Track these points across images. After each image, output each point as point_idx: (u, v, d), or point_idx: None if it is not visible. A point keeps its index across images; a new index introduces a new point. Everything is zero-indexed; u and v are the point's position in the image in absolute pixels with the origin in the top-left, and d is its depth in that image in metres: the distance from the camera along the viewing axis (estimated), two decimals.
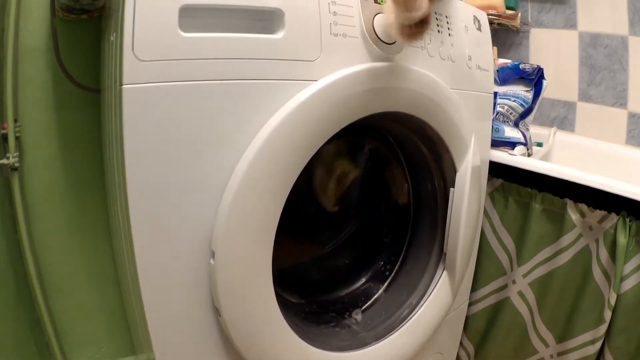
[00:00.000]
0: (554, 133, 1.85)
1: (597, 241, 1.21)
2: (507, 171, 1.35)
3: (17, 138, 1.02)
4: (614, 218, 1.16)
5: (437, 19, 1.00)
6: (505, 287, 1.45)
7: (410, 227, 1.17)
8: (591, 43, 1.89)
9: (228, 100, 0.73)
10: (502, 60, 1.47)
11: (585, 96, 1.91)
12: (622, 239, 1.11)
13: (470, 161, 1.06)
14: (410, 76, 0.91)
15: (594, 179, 1.19)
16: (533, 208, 1.30)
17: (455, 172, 1.07)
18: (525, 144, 1.37)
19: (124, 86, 0.63)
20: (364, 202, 1.27)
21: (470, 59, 1.09)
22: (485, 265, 1.46)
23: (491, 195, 1.40)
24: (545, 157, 1.71)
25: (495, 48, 1.56)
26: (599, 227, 1.20)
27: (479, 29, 1.15)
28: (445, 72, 1.01)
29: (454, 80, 1.04)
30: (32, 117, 1.07)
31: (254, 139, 0.75)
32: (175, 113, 0.69)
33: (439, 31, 0.99)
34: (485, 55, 1.17)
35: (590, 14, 1.89)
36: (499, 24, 1.93)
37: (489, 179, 1.37)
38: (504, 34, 2.06)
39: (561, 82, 1.94)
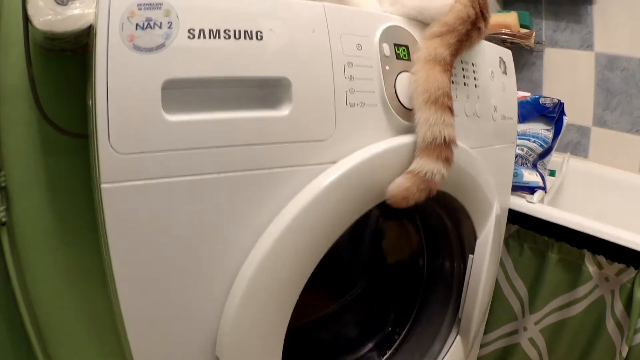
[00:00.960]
0: (567, 160, 1.70)
1: (612, 292, 1.14)
2: (523, 217, 1.23)
3: (2, 188, 0.89)
4: (632, 272, 1.09)
5: (463, 68, 0.84)
6: (516, 332, 1.36)
7: (423, 290, 1.03)
8: (608, 65, 1.73)
9: (226, 195, 0.58)
10: (521, 94, 1.32)
11: (600, 121, 1.76)
12: (639, 294, 1.05)
13: (492, 229, 0.91)
14: None
15: (613, 232, 1.11)
16: (549, 257, 1.21)
17: (475, 238, 0.93)
18: (543, 188, 1.22)
19: (102, 185, 0.51)
20: (372, 261, 1.13)
21: (495, 109, 0.94)
22: (496, 310, 1.36)
23: (506, 241, 1.28)
24: (558, 188, 1.57)
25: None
26: (615, 279, 1.12)
27: (505, 72, 1.00)
28: (469, 131, 0.86)
29: (478, 138, 0.89)
30: (18, 165, 0.93)
31: (260, 239, 0.61)
32: (166, 214, 0.55)
33: (465, 84, 0.84)
34: (510, 102, 1.02)
35: (608, 34, 1.73)
36: (512, 43, 1.77)
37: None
38: (517, 53, 1.89)
39: (575, 106, 1.79)
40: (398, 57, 0.72)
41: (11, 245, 0.94)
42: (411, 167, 0.68)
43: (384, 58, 0.70)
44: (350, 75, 0.66)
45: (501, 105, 0.98)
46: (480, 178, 0.87)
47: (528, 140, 1.27)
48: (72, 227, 1.02)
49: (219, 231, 0.59)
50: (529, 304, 1.29)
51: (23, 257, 0.98)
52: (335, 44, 0.65)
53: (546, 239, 1.21)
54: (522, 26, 1.76)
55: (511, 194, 1.23)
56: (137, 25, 0.52)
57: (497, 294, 1.33)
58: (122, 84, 0.52)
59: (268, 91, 0.61)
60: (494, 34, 1.71)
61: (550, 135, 1.28)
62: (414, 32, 0.76)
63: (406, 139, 0.71)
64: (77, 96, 0.93)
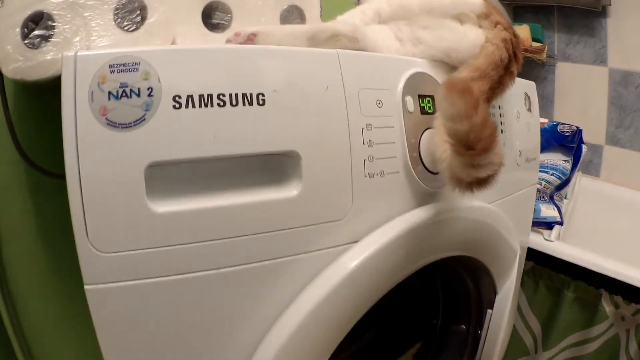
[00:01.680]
0: (579, 180, 1.60)
1: (627, 332, 1.08)
2: (539, 254, 1.14)
3: None
4: None
5: (490, 114, 0.73)
6: None
7: (438, 339, 0.93)
8: (622, 82, 1.62)
9: (226, 292, 0.48)
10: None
11: (613, 139, 1.65)
12: None
13: (514, 284, 0.81)
14: (462, 215, 0.65)
15: (632, 273, 1.04)
16: (565, 295, 1.14)
17: (495, 293, 0.82)
18: (561, 223, 1.12)
19: (85, 287, 0.43)
20: (386, 307, 1.02)
21: (520, 154, 0.83)
22: (509, 345, 1.26)
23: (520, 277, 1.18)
24: (570, 212, 1.47)
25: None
26: (632, 319, 1.06)
27: (530, 109, 0.89)
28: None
29: (500, 190, 0.78)
30: (4, 204, 0.84)
31: (270, 333, 0.51)
32: (159, 313, 0.46)
33: None
34: (534, 141, 0.91)
35: (623, 49, 1.62)
36: (523, 57, 1.64)
37: None
38: (528, 67, 1.77)
39: (588, 123, 1.67)
40: (423, 111, 0.61)
41: (2, 288, 0.86)
42: None
43: (407, 114, 0.59)
44: (370, 140, 0.55)
45: (526, 147, 0.87)
46: (502, 234, 0.77)
47: (546, 173, 1.16)
48: (66, 267, 0.91)
49: (218, 327, 0.49)
50: (543, 341, 1.21)
51: (16, 299, 0.89)
52: (353, 103, 0.54)
53: (562, 277, 1.14)
54: (534, 39, 1.64)
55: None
56: (110, 93, 0.41)
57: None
58: (96, 170, 0.41)
59: (273, 165, 0.50)
60: None
61: (568, 166, 1.18)
62: (440, 77, 0.65)
63: (429, 213, 0.60)
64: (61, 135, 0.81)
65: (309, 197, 0.50)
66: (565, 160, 1.18)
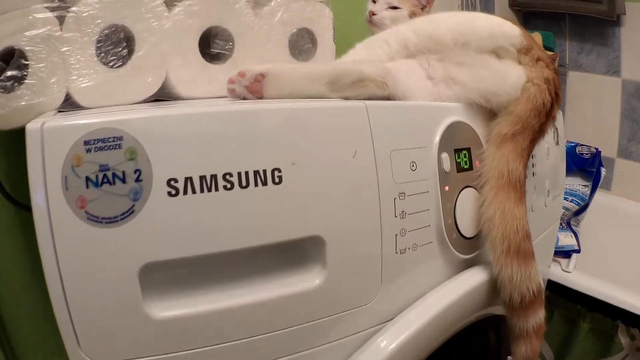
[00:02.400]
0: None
1: None
2: (555, 283, 1.06)
3: None
4: None
5: None
6: None
7: None
8: (635, 94, 1.53)
9: None
10: None
11: (625, 153, 1.56)
12: None
13: None
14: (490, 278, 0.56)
15: None
16: (580, 326, 1.08)
17: None
18: (578, 251, 1.04)
19: None
20: None
21: (548, 193, 0.74)
22: None
23: None
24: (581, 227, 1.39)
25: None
26: None
27: (557, 142, 0.79)
28: None
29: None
30: None
31: None
32: None
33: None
34: (560, 175, 0.82)
35: (636, 60, 1.52)
36: None
37: None
38: None
39: (599, 135, 1.58)
40: (459, 167, 0.51)
41: None
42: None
43: (443, 175, 0.49)
44: (402, 212, 0.45)
45: (553, 184, 0.78)
46: None
47: (565, 199, 1.07)
48: None
49: None
50: None
51: (11, 336, 0.80)
52: (384, 169, 0.44)
53: (578, 307, 1.07)
54: (545, 47, 1.54)
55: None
56: (88, 180, 0.32)
57: None
58: (80, 271, 0.32)
59: (292, 252, 0.40)
60: None
61: (587, 191, 1.09)
62: (476, 124, 0.55)
63: (464, 284, 0.51)
64: None
65: (333, 286, 0.41)
66: (585, 186, 1.10)
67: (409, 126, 0.47)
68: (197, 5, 0.53)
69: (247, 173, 0.36)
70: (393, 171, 0.44)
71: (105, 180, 0.32)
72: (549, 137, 0.76)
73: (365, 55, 0.55)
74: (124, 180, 0.32)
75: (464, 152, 0.53)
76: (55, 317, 0.33)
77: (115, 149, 0.32)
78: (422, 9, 0.86)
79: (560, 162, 0.84)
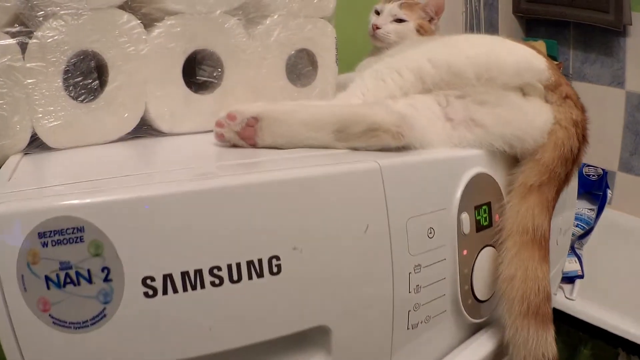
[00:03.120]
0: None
1: None
2: (557, 310, 1.01)
3: None
4: None
5: None
6: None
7: None
8: (639, 106, 1.47)
9: None
10: None
11: (626, 166, 1.50)
12: None
13: None
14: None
15: None
16: (581, 352, 1.07)
17: None
18: (582, 276, 0.99)
19: None
20: None
21: (560, 230, 0.68)
22: None
23: None
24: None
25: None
26: None
27: None
28: None
29: None
30: None
31: None
32: None
33: None
34: (571, 208, 0.76)
35: None
36: None
37: None
38: None
39: (600, 147, 1.52)
40: (478, 226, 0.44)
41: None
42: None
43: (462, 238, 0.42)
44: (417, 286, 0.38)
45: (566, 219, 0.71)
46: None
47: None
48: None
49: None
50: None
51: None
52: (399, 242, 0.37)
53: (580, 334, 1.03)
54: (548, 56, 1.47)
55: None
56: (47, 279, 0.26)
57: None
58: None
59: (293, 342, 0.33)
60: None
61: (593, 215, 1.04)
62: (497, 173, 0.48)
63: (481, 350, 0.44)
64: None
65: None
66: (590, 209, 1.04)
67: (428, 186, 0.40)
68: (180, 25, 0.46)
69: (238, 265, 0.29)
70: (409, 241, 0.37)
71: (69, 280, 0.26)
72: None
73: (374, 88, 0.47)
74: (90, 281, 0.26)
75: (484, 207, 0.46)
76: None
77: (76, 242, 0.25)
78: (429, 20, 0.79)
79: (572, 195, 0.78)
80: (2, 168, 0.38)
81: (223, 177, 0.31)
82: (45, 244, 0.25)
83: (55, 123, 0.41)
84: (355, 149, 0.40)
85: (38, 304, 0.25)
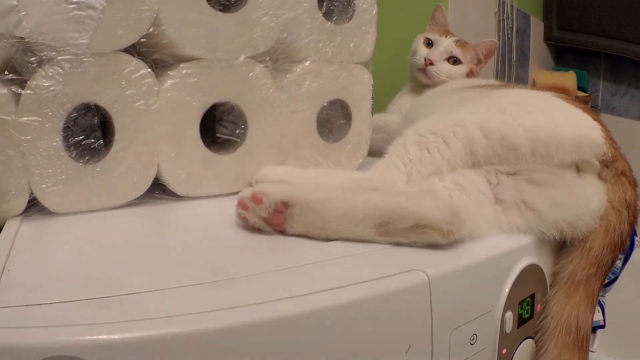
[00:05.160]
0: None
1: None
2: None
3: None
4: None
5: None
6: None
7: None
8: None
9: None
10: None
11: None
12: None
13: None
14: None
15: None
16: None
17: None
18: (603, 326, 0.90)
19: None
20: None
21: None
22: None
23: None
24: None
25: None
26: None
27: None
28: None
29: None
30: None
31: None
32: None
33: None
34: None
35: None
36: None
37: None
38: None
39: None
40: (520, 320, 0.37)
41: None
42: None
43: (503, 338, 0.35)
44: None
45: None
46: None
47: None
48: None
49: None
50: None
51: None
52: (440, 355, 0.29)
53: None
54: (578, 88, 1.38)
55: None
56: None
57: None
58: None
59: None
60: None
61: (620, 264, 0.94)
62: (543, 261, 0.41)
63: None
64: None
65: None
66: (619, 259, 0.95)
67: (475, 291, 0.33)
68: (198, 75, 0.38)
69: None
70: (450, 354, 0.30)
71: None
72: None
73: (417, 160, 0.40)
74: None
75: (528, 299, 0.38)
76: None
77: None
78: (477, 64, 0.71)
79: None
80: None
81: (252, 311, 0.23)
82: None
83: (55, 188, 0.34)
84: (398, 244, 0.33)
85: None
